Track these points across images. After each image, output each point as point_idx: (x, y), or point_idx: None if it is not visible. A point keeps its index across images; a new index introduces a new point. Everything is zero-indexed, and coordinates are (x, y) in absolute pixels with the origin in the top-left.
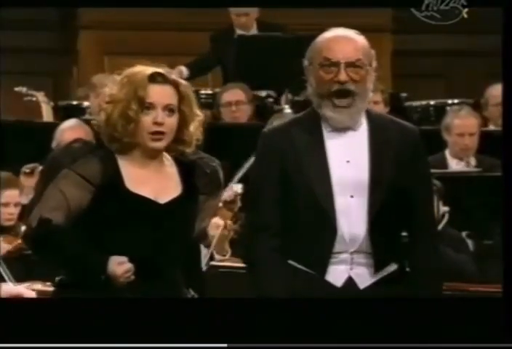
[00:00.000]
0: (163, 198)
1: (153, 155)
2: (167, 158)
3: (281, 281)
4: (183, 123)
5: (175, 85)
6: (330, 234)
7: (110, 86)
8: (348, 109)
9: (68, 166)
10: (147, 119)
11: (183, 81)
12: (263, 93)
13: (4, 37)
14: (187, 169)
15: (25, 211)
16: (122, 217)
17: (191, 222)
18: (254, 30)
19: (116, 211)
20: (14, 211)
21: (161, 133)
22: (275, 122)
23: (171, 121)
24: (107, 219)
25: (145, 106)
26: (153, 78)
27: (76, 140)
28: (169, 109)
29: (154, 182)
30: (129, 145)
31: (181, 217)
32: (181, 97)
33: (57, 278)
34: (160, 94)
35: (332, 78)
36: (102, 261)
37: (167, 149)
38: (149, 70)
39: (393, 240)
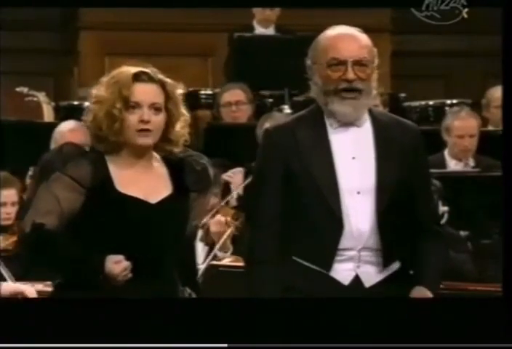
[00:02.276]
0: (154, 198)
1: (141, 153)
2: (156, 158)
3: (274, 284)
4: (170, 123)
5: (161, 84)
6: (337, 230)
7: (97, 86)
8: (355, 101)
9: (59, 169)
10: (133, 118)
11: (170, 80)
12: (266, 93)
13: (6, 37)
14: (176, 168)
15: (18, 215)
16: (114, 218)
17: (185, 221)
18: (272, 28)
19: (107, 212)
20: (12, 210)
21: (148, 130)
22: (266, 123)
23: (157, 119)
24: (99, 221)
25: (131, 105)
26: (138, 76)
27: (66, 144)
28: (155, 108)
29: (144, 182)
30: (116, 145)
31: (173, 215)
32: (167, 96)
33: (55, 281)
34: (145, 93)
35: (339, 77)
36: (99, 260)
37: (155, 148)
38: (134, 69)
39: (400, 236)
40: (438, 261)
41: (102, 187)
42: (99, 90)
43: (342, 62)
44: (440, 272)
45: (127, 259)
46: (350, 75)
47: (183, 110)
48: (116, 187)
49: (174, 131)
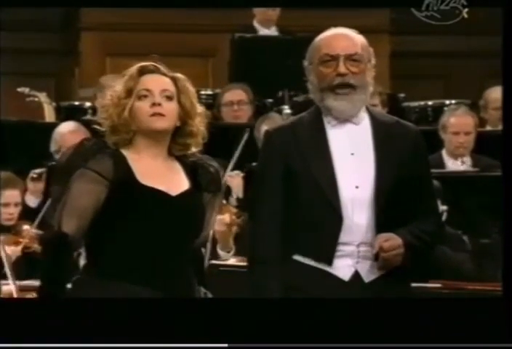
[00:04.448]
0: (174, 191)
1: (156, 141)
2: (171, 158)
3: (276, 284)
4: (187, 116)
5: (172, 78)
6: (336, 224)
7: (113, 87)
8: (349, 96)
9: (82, 166)
10: (144, 104)
11: (180, 75)
12: (266, 93)
13: (7, 38)
14: (191, 167)
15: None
16: (136, 210)
17: (201, 217)
18: (274, 29)
19: (129, 204)
20: (14, 210)
21: (161, 114)
22: (264, 124)
23: (170, 106)
24: (121, 214)
25: (143, 94)
26: (146, 68)
27: (85, 139)
28: (166, 96)
29: (163, 175)
30: (128, 136)
31: (191, 209)
32: (179, 90)
33: (73, 278)
34: (154, 81)
35: (331, 72)
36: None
37: (175, 144)
38: (143, 63)
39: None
40: (418, 230)
41: (124, 179)
42: (113, 88)
43: (335, 57)
44: (417, 238)
45: (144, 254)
46: (342, 69)
47: (197, 104)
48: (137, 179)
49: (194, 123)
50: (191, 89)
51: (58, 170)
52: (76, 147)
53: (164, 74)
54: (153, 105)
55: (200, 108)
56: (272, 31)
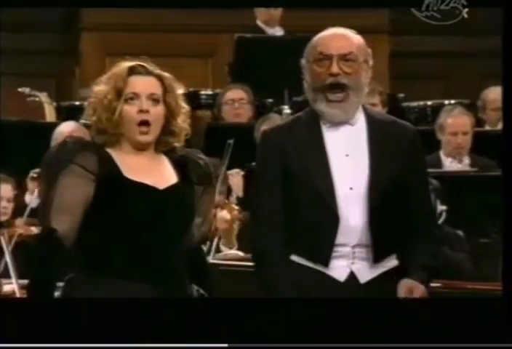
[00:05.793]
0: (161, 185)
1: (142, 148)
2: (159, 154)
3: (288, 277)
4: (171, 115)
5: (159, 78)
6: (333, 225)
7: (97, 83)
8: (341, 103)
9: (68, 161)
10: (132, 109)
11: (167, 74)
12: (266, 93)
13: (7, 38)
14: (179, 162)
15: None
16: (123, 205)
17: (191, 211)
18: (278, 28)
19: (117, 200)
20: (7, 205)
21: (147, 124)
22: (263, 125)
23: (156, 111)
24: (109, 210)
25: (129, 97)
26: (134, 69)
27: (68, 137)
28: (153, 99)
29: (150, 170)
30: (116, 137)
31: (180, 203)
32: (166, 90)
33: (66, 277)
34: (142, 84)
35: (324, 72)
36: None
37: (158, 143)
38: (131, 63)
39: (393, 233)
40: (425, 258)
41: (110, 174)
42: (99, 86)
43: (328, 57)
44: (428, 268)
45: (135, 249)
46: (335, 69)
47: (182, 103)
48: (123, 174)
49: (176, 123)
50: (177, 88)
51: (43, 168)
52: (60, 145)
53: (151, 74)
54: (141, 111)
55: (185, 107)
56: (276, 30)
